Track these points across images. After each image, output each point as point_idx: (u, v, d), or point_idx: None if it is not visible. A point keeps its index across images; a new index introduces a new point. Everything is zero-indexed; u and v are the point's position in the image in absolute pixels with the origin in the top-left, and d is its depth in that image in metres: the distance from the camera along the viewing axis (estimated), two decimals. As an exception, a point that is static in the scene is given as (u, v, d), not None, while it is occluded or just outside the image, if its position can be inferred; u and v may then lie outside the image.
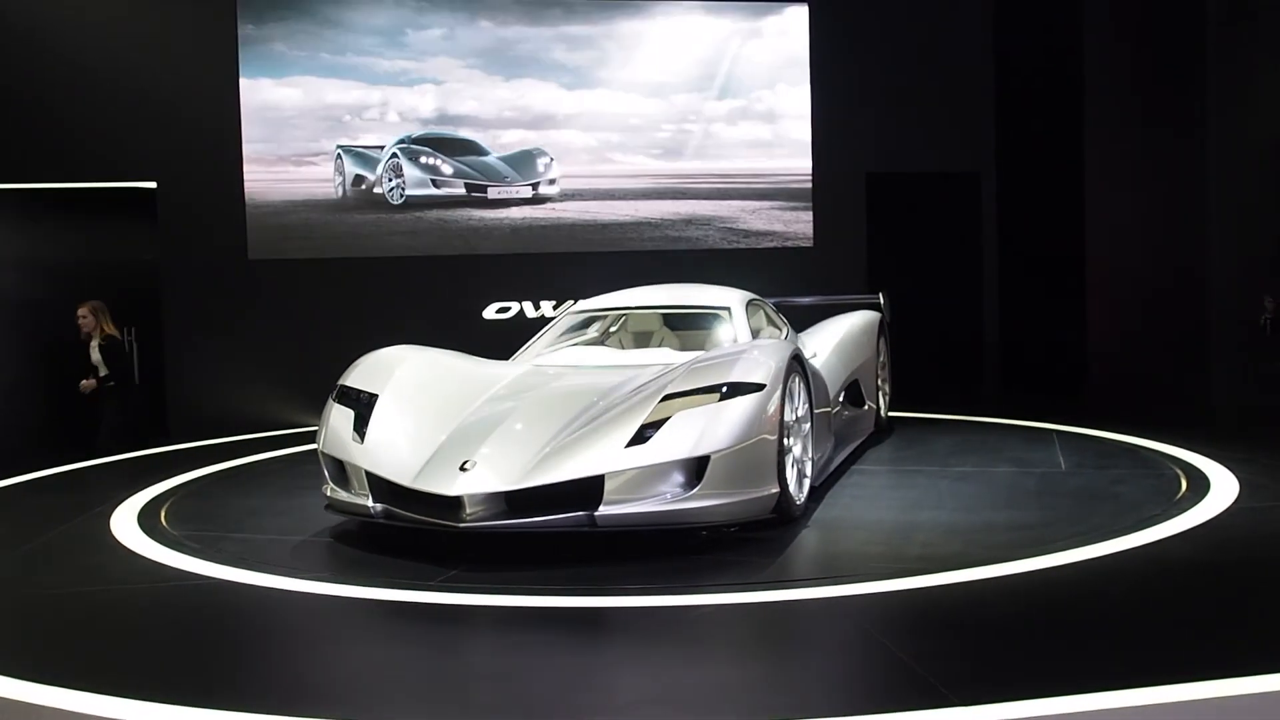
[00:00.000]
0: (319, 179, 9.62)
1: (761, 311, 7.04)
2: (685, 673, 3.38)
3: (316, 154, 9.60)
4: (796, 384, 5.20)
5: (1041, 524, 4.98)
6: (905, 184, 10.14)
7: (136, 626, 4.03)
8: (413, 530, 4.74)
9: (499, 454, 4.70)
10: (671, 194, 10.16)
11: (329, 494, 5.15)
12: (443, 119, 9.74)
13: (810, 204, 10.16)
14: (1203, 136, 9.88)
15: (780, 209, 10.26)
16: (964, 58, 10.19)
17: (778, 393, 4.85)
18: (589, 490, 4.52)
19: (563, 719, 3.06)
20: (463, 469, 4.61)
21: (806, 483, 5.31)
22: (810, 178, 10.12)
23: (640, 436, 4.62)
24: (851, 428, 6.94)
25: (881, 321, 7.89)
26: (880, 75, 10.11)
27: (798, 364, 5.24)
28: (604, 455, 4.57)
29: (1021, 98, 10.26)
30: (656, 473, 4.55)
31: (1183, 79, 9.93)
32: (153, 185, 9.33)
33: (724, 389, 4.76)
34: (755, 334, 6.75)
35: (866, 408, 7.31)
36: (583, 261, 9.67)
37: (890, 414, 7.97)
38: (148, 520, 5.55)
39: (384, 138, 9.67)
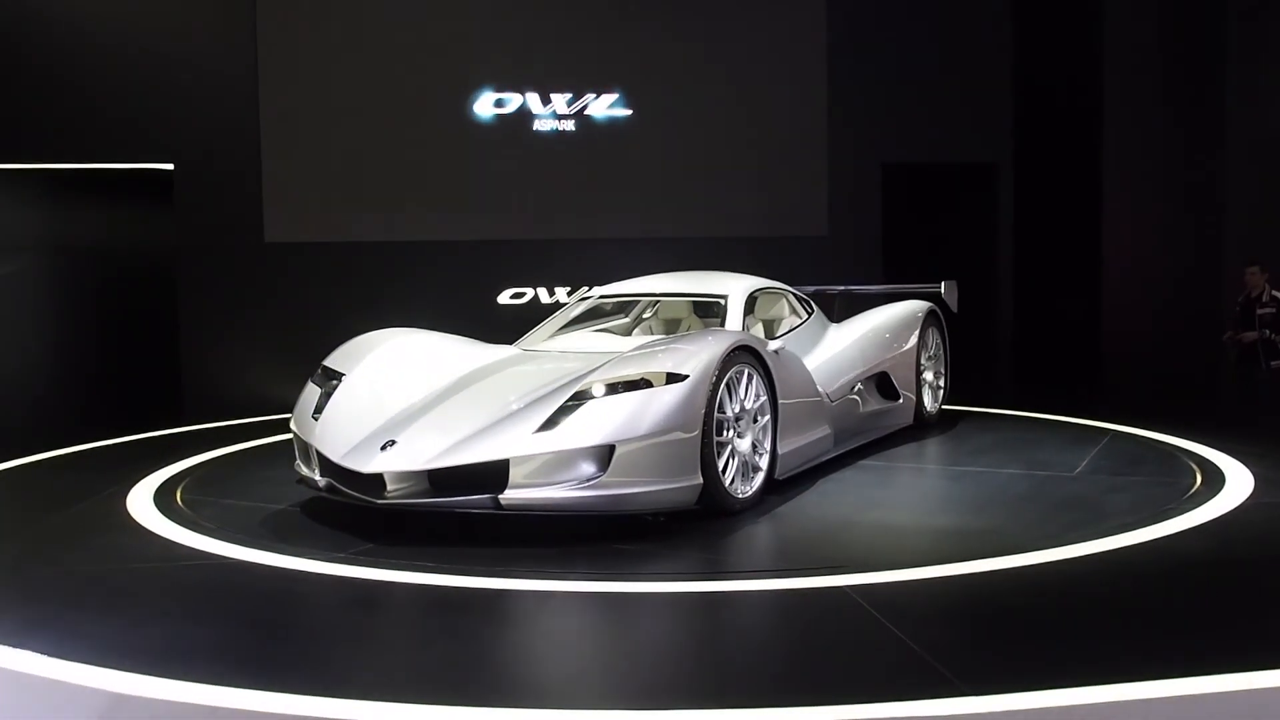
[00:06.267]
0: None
1: (784, 300, 6.90)
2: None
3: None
4: (745, 375, 5.10)
5: (988, 531, 4.69)
6: (921, 174, 9.81)
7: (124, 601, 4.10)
8: (358, 505, 4.91)
9: (423, 434, 4.82)
10: (684, 184, 10.06)
11: (298, 469, 5.43)
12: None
13: (826, 193, 9.93)
14: (1221, 129, 9.51)
15: (794, 198, 10.06)
16: (982, 48, 9.89)
17: (707, 384, 4.78)
18: (496, 473, 4.58)
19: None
20: (384, 448, 4.79)
21: (759, 476, 5.19)
22: (826, 167, 9.91)
23: (551, 423, 4.66)
24: (871, 420, 6.72)
25: (932, 312, 7.58)
26: (897, 65, 9.84)
27: (747, 354, 5.13)
28: (512, 440, 4.62)
29: (1039, 88, 9.94)
30: (563, 460, 4.56)
31: (1203, 72, 9.57)
32: (170, 167, 9.47)
33: (646, 379, 4.73)
34: (772, 323, 6.67)
35: (900, 400, 7.06)
36: (600, 248, 9.62)
37: (944, 407, 7.67)
38: (163, 499, 5.65)
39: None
